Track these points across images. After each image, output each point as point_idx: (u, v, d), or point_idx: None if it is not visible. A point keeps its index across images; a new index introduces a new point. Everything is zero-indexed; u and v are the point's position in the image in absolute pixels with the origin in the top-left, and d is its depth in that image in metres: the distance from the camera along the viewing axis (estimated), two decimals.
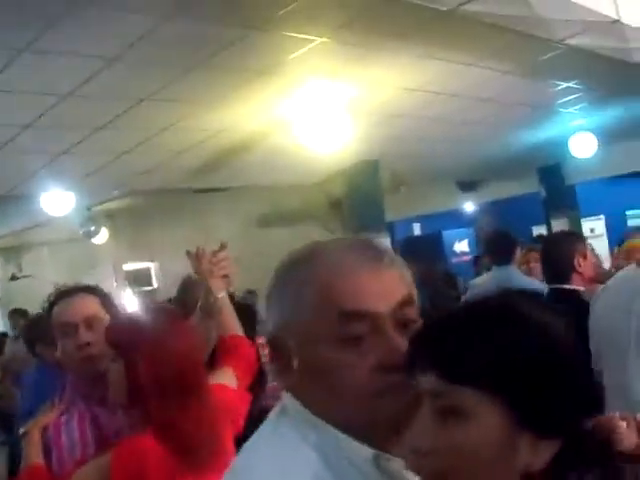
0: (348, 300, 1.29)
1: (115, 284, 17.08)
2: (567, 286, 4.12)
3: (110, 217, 15.03)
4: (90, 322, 2.52)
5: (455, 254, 18.32)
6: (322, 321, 1.29)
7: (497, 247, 6.54)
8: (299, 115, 7.86)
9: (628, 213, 19.07)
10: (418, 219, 19.57)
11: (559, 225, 15.06)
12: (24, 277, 18.56)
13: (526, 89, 8.79)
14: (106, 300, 2.71)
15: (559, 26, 5.44)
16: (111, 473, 2.07)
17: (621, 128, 12.34)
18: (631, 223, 18.62)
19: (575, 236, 4.37)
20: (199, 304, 3.04)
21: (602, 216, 18.40)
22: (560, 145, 12.14)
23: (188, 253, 3.18)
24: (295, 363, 1.31)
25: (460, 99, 8.71)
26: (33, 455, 2.30)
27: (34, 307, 13.59)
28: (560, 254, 4.16)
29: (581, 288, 4.12)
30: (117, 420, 2.39)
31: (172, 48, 5.76)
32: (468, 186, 16.94)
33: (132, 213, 15.65)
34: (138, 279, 17.90)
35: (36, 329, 4.24)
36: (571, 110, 10.52)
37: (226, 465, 2.29)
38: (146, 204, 14.68)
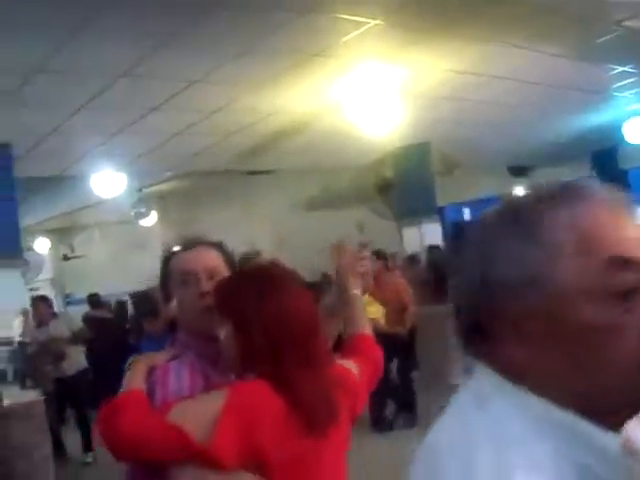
0: (620, 245, 1.07)
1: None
2: None
3: (160, 199, 15.13)
4: (212, 273, 2.40)
5: None
6: (585, 271, 1.06)
7: None
8: (351, 97, 7.85)
9: None
10: (468, 204, 19.43)
11: None
12: (76, 257, 18.81)
13: (580, 73, 8.68)
14: (228, 257, 2.57)
15: (615, 7, 5.37)
16: (224, 408, 1.96)
17: None
18: None
19: None
20: (324, 301, 2.89)
21: None
22: (614, 130, 11.99)
23: (333, 246, 2.93)
24: (528, 330, 1.08)
25: (512, 82, 8.63)
26: (135, 383, 2.18)
27: (85, 287, 13.85)
28: None
29: None
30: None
31: (225, 30, 5.79)
32: (519, 171, 16.77)
33: (182, 195, 15.74)
34: None
35: (142, 304, 4.30)
36: (626, 94, 10.37)
37: (343, 443, 2.24)
38: (195, 186, 14.75)
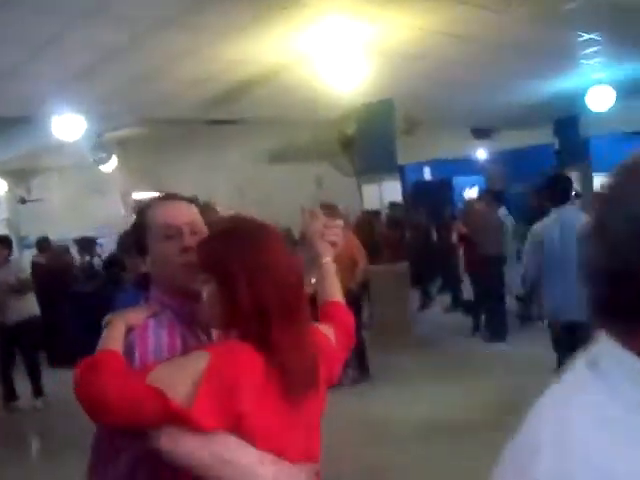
0: None
1: (123, 212, 17.10)
2: None
3: (121, 145, 14.99)
4: (194, 228, 2.35)
5: (464, 201, 18.35)
6: None
7: (556, 188, 6.76)
8: (317, 51, 7.80)
9: None
10: (430, 163, 19.52)
11: (572, 177, 15.01)
12: (32, 201, 18.61)
13: (548, 37, 8.70)
14: (203, 214, 2.50)
15: None
16: (205, 371, 1.94)
17: (638, 84, 12.24)
18: None
19: None
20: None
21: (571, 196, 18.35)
22: (578, 98, 12.07)
23: (303, 210, 2.91)
24: None
25: (479, 43, 8.63)
26: (112, 344, 2.12)
27: (42, 230, 13.73)
28: None
29: None
30: (200, 344, 2.25)
31: None
32: (482, 133, 16.86)
33: (143, 142, 15.59)
34: None
35: (125, 242, 4.17)
36: (592, 62, 10.44)
37: (320, 408, 2.24)
38: (157, 134, 14.62)
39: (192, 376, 1.93)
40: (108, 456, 2.16)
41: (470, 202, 12.82)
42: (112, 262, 11.25)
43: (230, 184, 14.62)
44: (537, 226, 6.88)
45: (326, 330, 2.43)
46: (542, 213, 6.95)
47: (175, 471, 2.00)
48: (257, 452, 2.01)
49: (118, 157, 14.90)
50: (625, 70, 11.29)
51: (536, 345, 8.67)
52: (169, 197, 2.46)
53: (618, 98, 12.02)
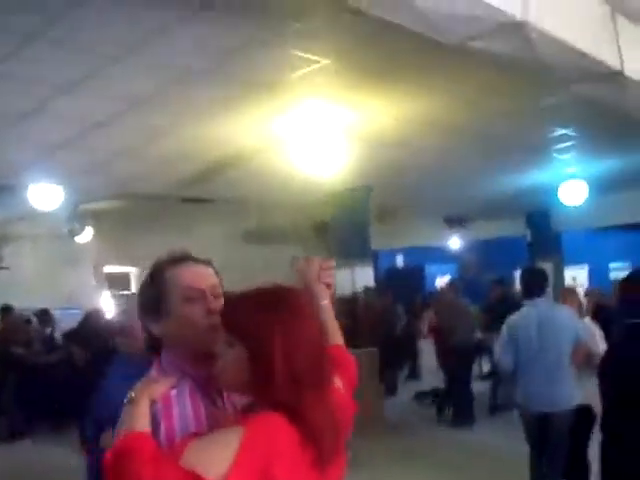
0: None
1: (94, 284, 17.02)
2: None
3: (96, 217, 14.95)
4: (215, 291, 2.30)
5: (436, 288, 18.40)
6: None
7: (532, 281, 6.81)
8: (295, 134, 7.83)
9: (611, 265, 19.22)
10: (403, 251, 19.63)
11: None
12: (3, 268, 18.46)
13: (523, 131, 8.86)
14: (220, 277, 2.45)
15: (561, 71, 5.47)
16: (240, 449, 1.87)
17: (612, 180, 12.45)
18: (614, 275, 18.78)
19: None
20: None
21: (586, 266, 18.54)
22: (550, 191, 12.21)
23: (296, 258, 2.92)
24: None
25: (455, 133, 8.77)
26: (140, 423, 2.03)
27: (10, 299, 13.57)
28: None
29: None
30: (218, 411, 2.20)
31: (180, 50, 5.77)
32: (456, 222, 17.01)
33: (118, 215, 15.58)
34: (117, 282, 17.88)
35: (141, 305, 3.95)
36: (565, 157, 10.58)
37: (343, 469, 2.19)
38: (133, 208, 14.62)
39: (226, 455, 1.87)
40: None
41: (442, 291, 12.87)
42: (71, 336, 11.24)
43: None
44: (512, 318, 6.92)
45: (336, 382, 2.34)
46: (501, 303, 7.02)
47: None
48: None
49: (93, 229, 14.86)
50: (598, 166, 11.47)
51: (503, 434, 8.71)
52: (185, 259, 2.40)
53: (591, 193, 12.16)
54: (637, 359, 4.07)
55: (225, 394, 2.25)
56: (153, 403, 2.09)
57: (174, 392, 2.15)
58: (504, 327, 6.91)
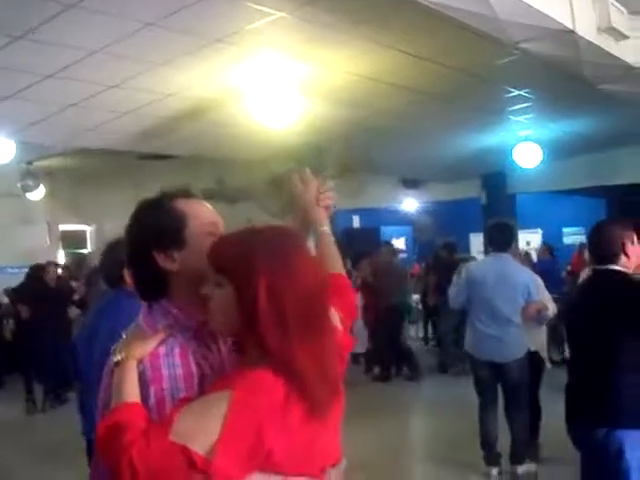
0: None
1: (48, 243, 16.87)
2: (615, 267, 4.29)
3: (50, 175, 14.84)
4: (222, 229, 2.25)
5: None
6: None
7: (498, 235, 7.09)
8: (250, 87, 7.80)
9: (564, 230, 19.44)
10: (359, 211, 19.64)
11: None
12: None
13: (479, 91, 8.88)
14: None
15: (515, 29, 5.50)
16: (228, 416, 1.82)
17: (566, 143, 12.54)
18: (567, 240, 19.02)
19: (623, 223, 4.52)
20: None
21: (539, 230, 18.74)
22: (505, 153, 12.29)
23: (295, 176, 2.74)
24: None
25: (412, 93, 8.75)
26: (131, 392, 1.96)
27: None
28: (610, 237, 4.32)
29: (629, 270, 4.32)
30: (214, 357, 2.14)
31: (134, 1, 5.71)
32: (412, 184, 17.05)
33: (72, 173, 15.47)
34: (73, 241, 17.74)
35: (118, 253, 3.93)
36: (520, 119, 10.66)
37: (341, 409, 2.12)
38: (87, 165, 14.52)
39: (215, 424, 1.83)
40: None
41: (380, 251, 13.01)
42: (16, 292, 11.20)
43: None
44: (472, 265, 7.29)
45: (335, 316, 2.27)
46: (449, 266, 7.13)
47: None
48: None
49: (46, 187, 14.71)
50: (553, 129, 11.56)
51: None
52: (193, 195, 2.33)
53: (545, 157, 12.26)
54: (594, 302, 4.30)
55: (220, 340, 2.18)
56: (140, 363, 2.03)
57: (163, 351, 2.07)
58: (463, 270, 7.24)
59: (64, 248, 17.53)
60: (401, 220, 19.81)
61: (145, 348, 2.06)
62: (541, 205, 17.77)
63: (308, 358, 1.95)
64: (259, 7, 5.87)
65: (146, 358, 2.03)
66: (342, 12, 6.14)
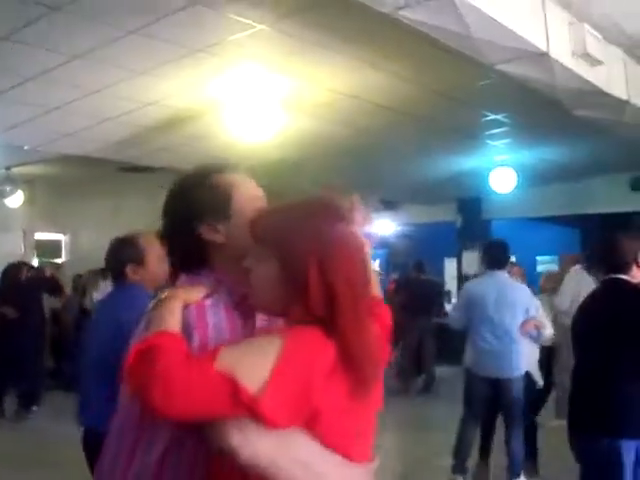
0: None
1: (23, 251, 16.77)
2: (625, 277, 4.46)
3: (28, 182, 14.76)
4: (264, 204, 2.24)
5: None
6: None
7: (494, 253, 7.32)
8: (229, 99, 7.85)
9: (539, 259, 19.53)
10: None
11: (470, 257, 15.35)
12: None
13: (457, 114, 8.98)
14: None
15: (490, 49, 5.58)
16: (279, 360, 1.73)
17: (542, 170, 12.65)
18: (540, 269, 19.09)
19: (636, 237, 4.67)
20: None
21: (513, 257, 18.79)
22: (481, 178, 12.38)
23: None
24: None
25: (393, 113, 8.84)
26: (172, 324, 1.87)
27: None
28: (625, 247, 4.49)
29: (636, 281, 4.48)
30: (249, 333, 2.05)
31: (115, 7, 5.74)
32: (389, 205, 17.09)
33: (51, 181, 15.39)
34: (47, 250, 17.63)
35: (127, 249, 4.12)
36: (497, 144, 10.75)
37: (379, 402, 2.06)
38: (67, 174, 14.45)
39: (264, 364, 1.73)
40: (136, 446, 1.99)
41: None
42: None
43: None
44: (471, 284, 7.51)
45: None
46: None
47: (201, 464, 1.91)
48: (332, 457, 1.86)
49: (24, 194, 14.65)
50: (529, 156, 11.67)
51: None
52: (237, 170, 2.33)
53: (521, 183, 12.36)
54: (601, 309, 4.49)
55: (259, 317, 2.13)
56: (185, 309, 1.97)
57: (209, 302, 2.03)
58: (462, 290, 7.70)
59: (38, 257, 17.43)
60: (377, 243, 19.80)
61: (191, 294, 2.02)
62: (516, 232, 17.83)
63: (356, 334, 1.89)
64: (240, 18, 5.94)
65: (192, 306, 1.99)
66: (323, 27, 6.20)
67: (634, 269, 4.43)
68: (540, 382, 7.42)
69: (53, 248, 18.01)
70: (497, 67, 6.05)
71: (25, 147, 10.71)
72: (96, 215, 16.93)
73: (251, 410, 1.69)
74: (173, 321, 1.89)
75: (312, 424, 1.80)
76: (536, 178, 13.09)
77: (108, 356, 3.36)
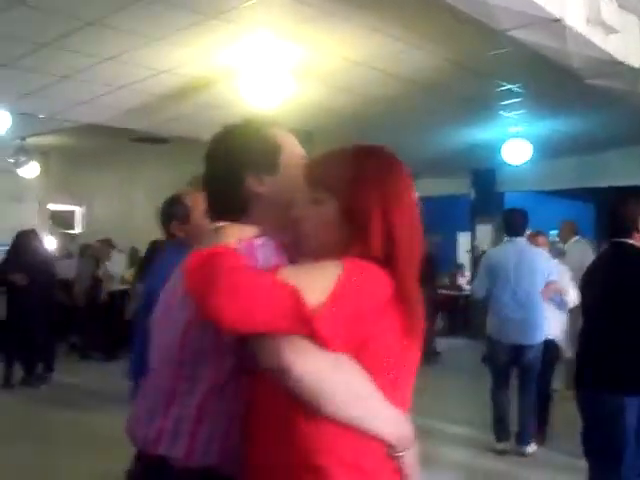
0: None
1: (37, 222, 16.84)
2: (629, 240, 4.52)
3: (43, 154, 14.81)
4: None
5: None
6: None
7: (514, 220, 7.38)
8: (243, 67, 7.82)
9: (552, 233, 19.45)
10: None
11: (483, 230, 15.33)
12: None
13: (471, 84, 8.92)
14: None
15: (503, 14, 5.56)
16: (340, 280, 1.72)
17: (557, 143, 12.58)
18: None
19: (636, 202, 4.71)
20: None
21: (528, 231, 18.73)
22: (495, 150, 12.29)
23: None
24: None
25: (405, 82, 8.80)
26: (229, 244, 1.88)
27: None
28: (627, 212, 4.58)
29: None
30: None
31: None
32: None
33: (66, 152, 15.45)
34: (62, 221, 17.70)
35: (174, 207, 4.31)
36: (511, 115, 10.69)
37: (418, 357, 2.00)
38: (81, 145, 14.50)
39: (324, 283, 1.72)
40: (175, 393, 2.03)
41: None
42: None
43: (149, 203, 14.53)
44: (491, 251, 7.68)
45: None
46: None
47: (247, 403, 1.91)
48: (375, 389, 1.84)
49: (39, 165, 14.70)
50: (543, 127, 11.59)
51: None
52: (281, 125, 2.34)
53: (535, 155, 12.27)
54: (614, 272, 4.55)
55: None
56: (236, 243, 1.95)
57: (259, 242, 2.00)
58: (483, 259, 7.67)
59: (52, 228, 17.50)
60: None
61: (242, 232, 2.01)
62: (530, 205, 17.77)
63: (411, 278, 1.92)
64: None
65: (241, 244, 1.96)
66: None
67: (635, 234, 4.51)
68: (569, 352, 7.43)
69: (67, 219, 18.08)
70: (510, 33, 6.03)
71: (40, 115, 10.73)
72: (111, 186, 17.01)
73: (309, 326, 1.67)
74: (230, 241, 1.92)
75: (360, 353, 1.79)
76: (550, 150, 13.02)
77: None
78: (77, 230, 18.06)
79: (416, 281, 1.94)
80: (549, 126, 11.60)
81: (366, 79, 8.67)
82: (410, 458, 1.93)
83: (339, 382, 1.76)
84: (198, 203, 3.98)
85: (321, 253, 1.92)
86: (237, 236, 1.99)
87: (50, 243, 16.12)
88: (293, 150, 2.26)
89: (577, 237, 8.77)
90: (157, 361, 2.14)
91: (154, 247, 7.44)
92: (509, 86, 9.14)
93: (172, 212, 4.32)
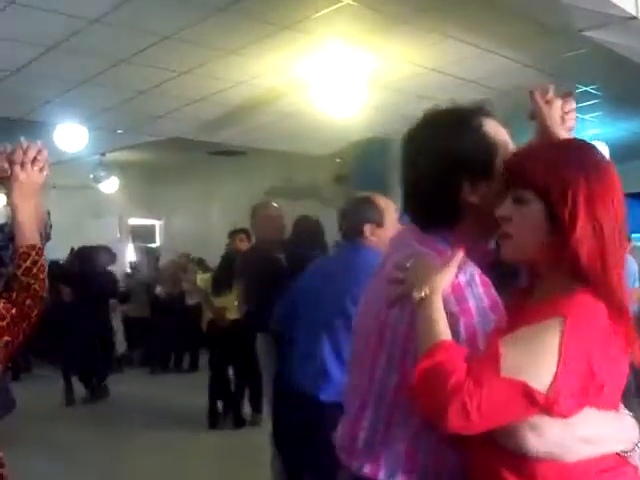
0: None
1: (118, 236, 17.13)
2: None
3: (122, 168, 15.09)
4: None
5: None
6: None
7: None
8: (317, 77, 7.86)
9: (634, 236, 19.04)
10: None
11: None
12: None
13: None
14: None
15: (577, 15, 5.52)
16: (562, 344, 1.65)
17: (636, 144, 12.34)
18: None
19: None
20: None
21: None
22: None
23: (532, 93, 2.40)
24: None
25: (479, 87, 8.74)
26: (443, 329, 1.77)
27: None
28: None
29: None
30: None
31: None
32: None
33: (144, 166, 15.70)
34: (142, 234, 17.98)
35: (367, 209, 4.12)
36: (587, 117, 10.54)
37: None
38: (158, 159, 14.72)
39: (550, 356, 1.66)
40: (390, 420, 1.96)
41: None
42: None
43: (225, 217, 14.68)
44: None
45: None
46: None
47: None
48: (608, 416, 1.82)
49: (118, 180, 14.96)
50: (620, 129, 11.40)
51: None
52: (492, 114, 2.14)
53: (613, 158, 12.04)
54: None
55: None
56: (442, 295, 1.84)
57: (464, 279, 1.85)
58: None
59: (133, 242, 17.79)
60: None
61: (446, 276, 1.86)
62: None
63: (620, 282, 1.81)
64: None
65: (447, 290, 1.83)
66: (406, 2, 6.21)
67: None
68: None
69: (147, 233, 18.34)
70: (585, 33, 5.96)
71: (118, 131, 10.93)
72: (188, 199, 17.20)
73: (546, 410, 1.66)
74: (442, 324, 1.79)
75: (596, 398, 1.75)
76: (629, 152, 12.77)
77: (335, 318, 3.63)
78: (157, 244, 18.33)
79: (623, 285, 1.82)
80: (627, 127, 11.39)
81: (439, 85, 8.62)
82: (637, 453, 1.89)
83: (574, 437, 1.75)
84: (390, 207, 3.99)
85: (527, 254, 1.88)
86: (443, 282, 1.85)
87: (131, 256, 16.46)
88: (508, 149, 2.03)
89: None
90: (363, 394, 2.05)
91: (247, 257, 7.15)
92: (585, 88, 9.01)
93: (364, 213, 4.03)
